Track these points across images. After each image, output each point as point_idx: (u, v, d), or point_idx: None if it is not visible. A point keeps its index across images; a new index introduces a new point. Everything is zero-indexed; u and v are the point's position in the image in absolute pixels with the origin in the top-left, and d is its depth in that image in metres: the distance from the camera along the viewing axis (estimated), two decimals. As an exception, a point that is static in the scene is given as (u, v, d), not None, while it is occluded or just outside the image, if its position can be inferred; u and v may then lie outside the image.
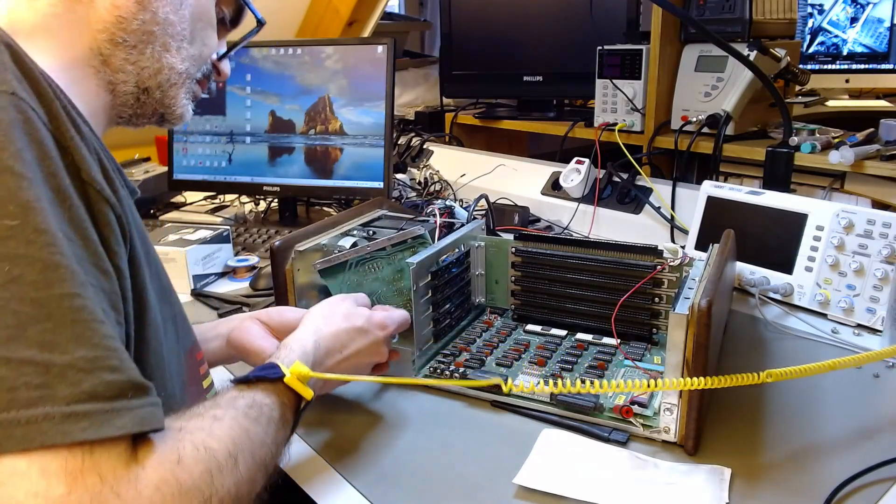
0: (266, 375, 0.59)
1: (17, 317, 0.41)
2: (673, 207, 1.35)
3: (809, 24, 1.99)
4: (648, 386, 0.63)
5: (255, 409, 0.55)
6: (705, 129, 1.41)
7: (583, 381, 0.67)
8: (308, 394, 0.61)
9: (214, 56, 0.70)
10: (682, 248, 1.04)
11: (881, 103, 1.98)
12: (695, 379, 0.63)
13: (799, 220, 1.02)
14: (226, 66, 0.72)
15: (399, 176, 1.64)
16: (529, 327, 0.96)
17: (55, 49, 0.57)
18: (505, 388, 0.66)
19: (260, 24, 0.73)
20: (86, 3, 0.58)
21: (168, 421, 0.48)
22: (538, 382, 0.67)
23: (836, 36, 1.97)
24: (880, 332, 0.92)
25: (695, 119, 1.43)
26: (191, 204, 1.71)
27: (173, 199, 1.71)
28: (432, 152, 1.74)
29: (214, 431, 0.50)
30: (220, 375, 0.79)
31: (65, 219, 0.45)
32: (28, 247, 0.42)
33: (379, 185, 1.41)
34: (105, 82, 0.60)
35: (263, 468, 0.53)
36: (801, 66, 1.48)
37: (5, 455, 0.39)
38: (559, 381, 0.63)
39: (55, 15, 0.57)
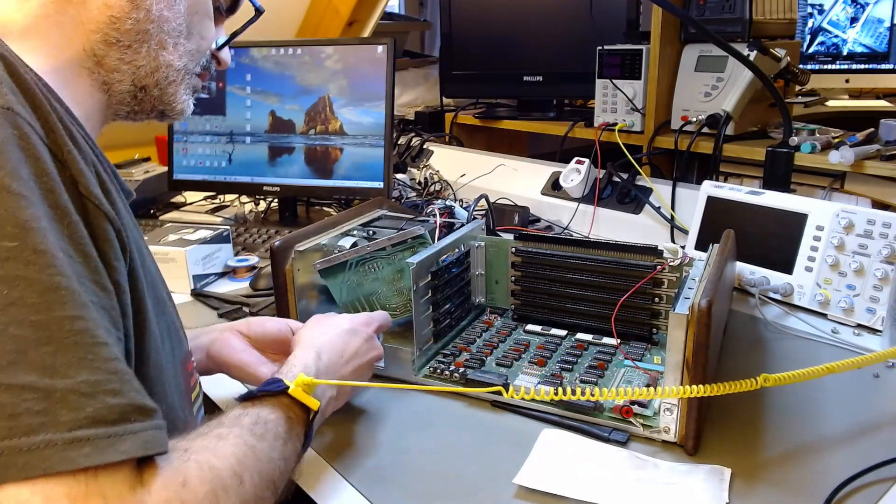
0: (269, 390, 0.59)
1: (16, 341, 0.40)
2: (673, 207, 1.34)
3: (809, 24, 1.99)
4: (647, 393, 0.63)
5: (260, 426, 0.55)
6: (705, 129, 1.41)
7: (583, 382, 0.67)
8: (314, 404, 0.61)
9: (213, 46, 0.68)
10: (682, 248, 1.04)
11: (881, 103, 1.98)
12: (693, 387, 0.63)
13: (799, 220, 1.02)
14: (225, 55, 0.71)
15: (399, 176, 1.64)
16: (529, 327, 0.96)
17: (47, 51, 0.55)
18: (506, 395, 0.66)
19: (258, 11, 0.72)
20: (77, 3, 0.56)
21: (172, 442, 0.47)
22: (538, 388, 0.67)
23: (836, 36, 1.97)
24: (880, 332, 0.92)
25: (695, 119, 1.43)
26: (191, 204, 1.71)
27: (173, 199, 1.71)
28: (432, 152, 1.74)
29: (219, 451, 0.49)
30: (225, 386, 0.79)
31: (64, 236, 0.45)
32: (27, 268, 0.41)
33: (379, 185, 1.40)
34: (99, 82, 0.59)
35: (272, 485, 0.53)
36: (801, 66, 1.48)
37: (8, 484, 0.38)
38: (560, 389, 0.63)
39: (46, 16, 0.56)
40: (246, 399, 0.58)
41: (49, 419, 0.40)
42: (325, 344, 0.70)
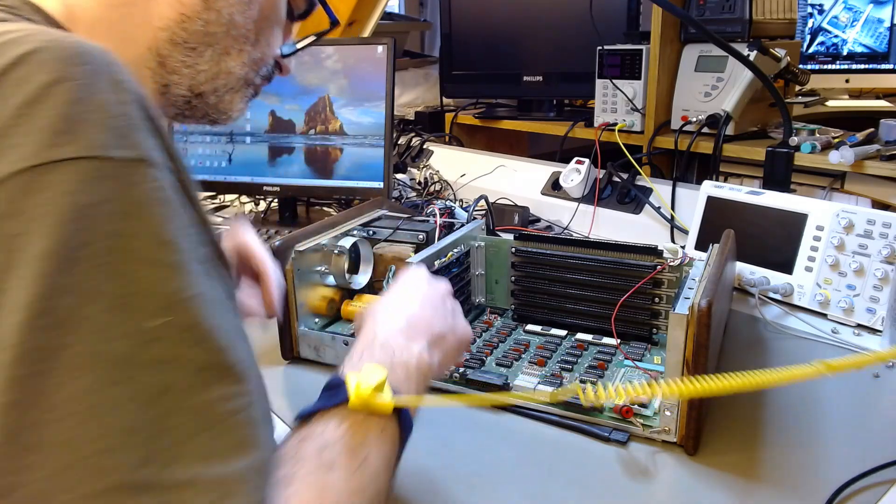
0: (324, 406, 0.48)
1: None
2: (673, 207, 1.34)
3: (809, 24, 2.00)
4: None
5: (328, 451, 0.44)
6: (705, 129, 1.41)
7: (583, 382, 0.66)
8: (386, 408, 0.48)
9: (278, 52, 0.64)
10: (682, 248, 1.04)
11: (881, 103, 1.98)
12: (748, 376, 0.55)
13: (799, 220, 1.02)
14: (290, 62, 0.67)
15: (399, 176, 1.64)
16: (529, 327, 0.96)
17: (114, 46, 0.46)
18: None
19: (333, 24, 0.68)
20: None
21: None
22: (535, 386, 0.66)
23: (836, 36, 1.97)
24: (880, 331, 0.92)
25: (695, 119, 1.43)
26: (191, 204, 1.70)
27: (173, 199, 1.70)
28: (432, 152, 1.74)
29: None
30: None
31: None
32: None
33: (379, 185, 1.40)
34: (159, 84, 0.55)
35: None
36: (801, 66, 1.48)
37: None
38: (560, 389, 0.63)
39: (118, 5, 0.51)
40: (305, 417, 0.48)
41: None
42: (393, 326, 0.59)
